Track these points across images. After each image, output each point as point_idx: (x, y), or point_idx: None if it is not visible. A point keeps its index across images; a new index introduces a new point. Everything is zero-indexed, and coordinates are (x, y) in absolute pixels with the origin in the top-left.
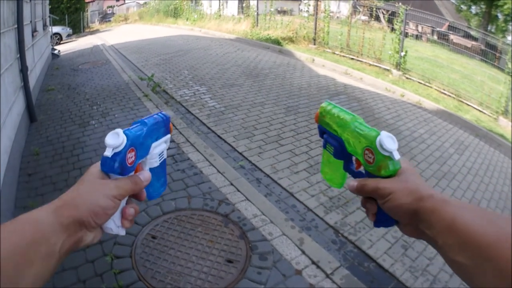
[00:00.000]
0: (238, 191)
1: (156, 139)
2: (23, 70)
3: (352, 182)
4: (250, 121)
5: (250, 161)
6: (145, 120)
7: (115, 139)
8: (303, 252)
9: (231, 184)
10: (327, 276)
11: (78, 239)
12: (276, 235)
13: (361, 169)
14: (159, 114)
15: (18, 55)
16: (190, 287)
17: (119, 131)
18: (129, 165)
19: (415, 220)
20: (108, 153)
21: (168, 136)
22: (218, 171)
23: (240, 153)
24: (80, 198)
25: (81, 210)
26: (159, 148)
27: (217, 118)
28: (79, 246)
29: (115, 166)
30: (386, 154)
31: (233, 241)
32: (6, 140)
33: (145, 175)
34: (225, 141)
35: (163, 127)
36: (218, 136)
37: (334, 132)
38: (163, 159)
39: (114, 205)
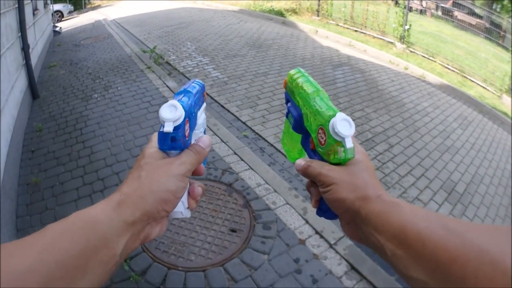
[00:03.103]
0: (242, 160)
1: (199, 109)
2: (25, 48)
3: (300, 160)
4: (253, 91)
5: (253, 131)
6: (188, 89)
7: (173, 112)
8: (307, 222)
9: (235, 153)
10: (331, 246)
11: (144, 236)
12: (280, 204)
13: None
14: (195, 81)
15: (19, 34)
16: (194, 257)
17: (175, 102)
18: (186, 139)
19: (357, 222)
20: (169, 128)
21: (205, 104)
22: (222, 140)
23: (244, 123)
24: (144, 186)
25: (148, 200)
26: (201, 117)
27: (220, 88)
28: (144, 242)
29: (179, 142)
30: (338, 139)
31: (237, 211)
32: (9, 118)
33: (205, 141)
34: (229, 111)
35: (202, 95)
36: (221, 106)
37: (297, 102)
38: (204, 128)
39: (184, 185)
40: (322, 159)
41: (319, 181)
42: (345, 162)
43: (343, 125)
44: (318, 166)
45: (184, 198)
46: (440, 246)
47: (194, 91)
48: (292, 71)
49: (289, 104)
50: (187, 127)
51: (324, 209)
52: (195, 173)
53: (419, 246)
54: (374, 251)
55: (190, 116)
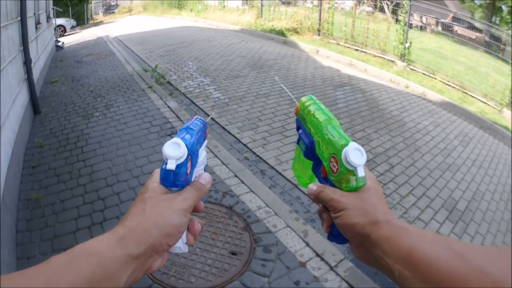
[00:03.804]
0: (243, 182)
1: (200, 146)
2: (27, 62)
3: (312, 185)
4: (254, 113)
5: (254, 153)
6: (191, 127)
7: (177, 150)
8: (307, 244)
9: (236, 175)
10: (331, 268)
11: (147, 268)
12: (280, 227)
13: None
14: (197, 119)
15: (22, 48)
16: (194, 279)
17: (179, 140)
18: (188, 176)
19: (367, 245)
20: (171, 166)
21: (206, 141)
22: (222, 163)
23: (245, 145)
24: (149, 220)
25: (153, 234)
26: (202, 155)
27: (222, 110)
28: (146, 274)
29: (180, 180)
30: (350, 168)
31: (237, 233)
32: (10, 132)
33: (206, 179)
34: (230, 133)
35: (204, 132)
36: (223, 127)
37: (308, 130)
38: (204, 165)
39: (186, 220)
40: (333, 187)
41: (331, 206)
42: (356, 190)
43: (355, 155)
44: (330, 192)
45: (184, 233)
46: (444, 267)
47: (196, 129)
48: (303, 98)
49: (300, 131)
50: (189, 164)
51: (336, 234)
52: (194, 210)
53: (425, 267)
54: (383, 273)
55: (192, 154)
